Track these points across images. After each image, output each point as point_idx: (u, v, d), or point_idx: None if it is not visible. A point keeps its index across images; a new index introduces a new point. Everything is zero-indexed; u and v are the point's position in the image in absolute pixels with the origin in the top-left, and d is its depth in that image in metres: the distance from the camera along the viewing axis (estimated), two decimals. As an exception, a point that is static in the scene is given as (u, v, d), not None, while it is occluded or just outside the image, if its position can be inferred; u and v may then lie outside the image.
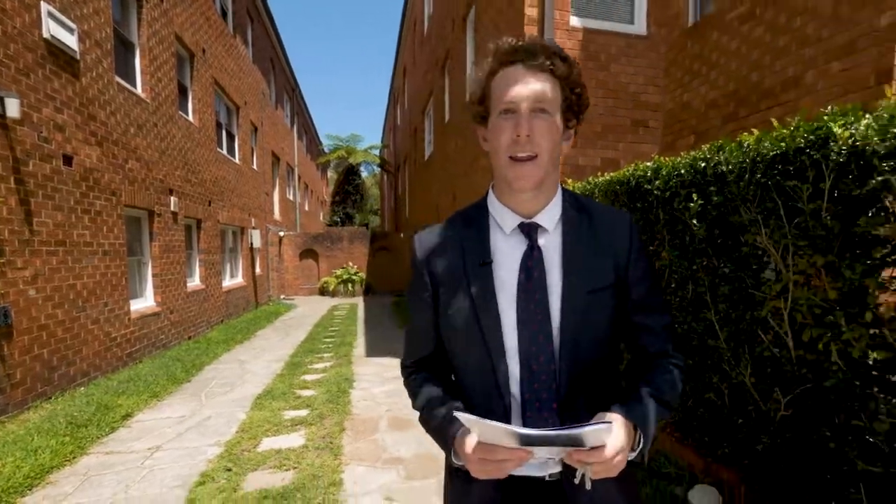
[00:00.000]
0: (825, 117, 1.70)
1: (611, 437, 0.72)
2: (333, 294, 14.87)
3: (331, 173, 28.93)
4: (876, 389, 1.46)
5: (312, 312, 11.44)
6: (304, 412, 4.24)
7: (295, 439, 3.63)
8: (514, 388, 0.85)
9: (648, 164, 2.77)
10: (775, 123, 1.98)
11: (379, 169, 23.90)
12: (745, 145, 2.03)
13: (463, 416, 0.71)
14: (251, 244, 11.63)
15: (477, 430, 0.73)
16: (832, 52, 3.63)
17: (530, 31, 4.96)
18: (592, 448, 0.70)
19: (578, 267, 0.86)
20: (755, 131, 2.05)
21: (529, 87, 0.81)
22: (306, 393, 4.83)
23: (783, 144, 1.81)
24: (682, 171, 2.42)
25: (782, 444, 1.94)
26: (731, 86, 4.56)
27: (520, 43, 0.84)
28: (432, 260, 0.92)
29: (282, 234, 14.81)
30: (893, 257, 1.44)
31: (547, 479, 0.86)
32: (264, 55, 13.98)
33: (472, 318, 0.85)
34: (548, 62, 0.83)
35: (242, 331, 8.51)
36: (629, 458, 0.77)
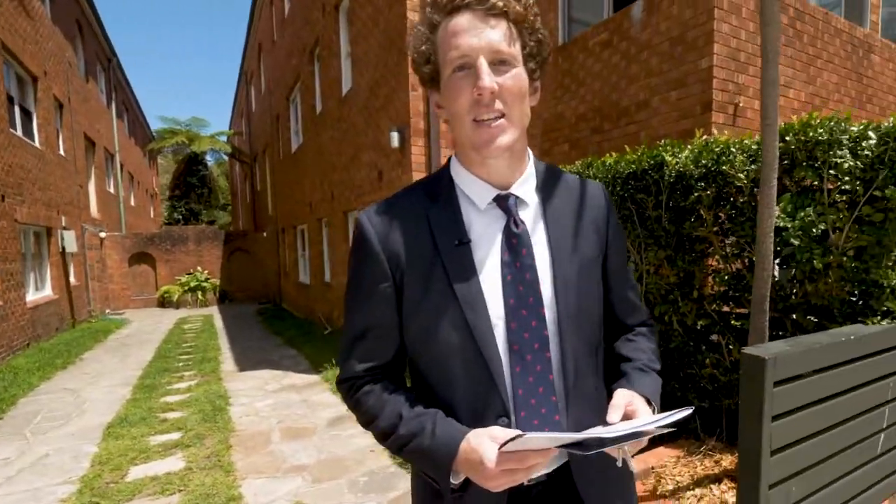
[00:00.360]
0: (660, 147, 2.35)
1: (643, 415, 0.70)
2: (178, 305, 13.26)
3: (164, 162, 25.34)
4: (704, 347, 2.12)
5: (154, 327, 10.14)
6: (175, 435, 3.94)
7: (173, 463, 3.42)
8: (507, 382, 0.75)
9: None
10: (627, 149, 2.63)
11: (228, 159, 21.79)
12: (608, 164, 2.63)
13: (528, 434, 0.59)
14: (62, 248, 9.74)
15: (524, 444, 0.61)
16: (671, 84, 4.72)
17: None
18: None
19: (565, 243, 0.80)
20: (625, 149, 2.69)
21: (485, 35, 0.70)
22: (172, 415, 4.44)
23: (633, 166, 2.44)
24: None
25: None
26: (596, 102, 5.52)
27: None
28: (392, 242, 0.78)
29: (103, 234, 12.65)
30: (710, 251, 2.11)
31: (526, 483, 0.78)
32: (68, 14, 11.69)
33: (454, 308, 0.74)
34: (500, 3, 0.71)
35: (62, 354, 7.19)
36: None
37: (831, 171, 1.82)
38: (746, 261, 2.07)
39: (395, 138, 5.77)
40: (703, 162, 2.10)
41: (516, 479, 0.64)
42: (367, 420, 0.81)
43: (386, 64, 6.05)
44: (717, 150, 2.08)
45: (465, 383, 0.76)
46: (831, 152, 1.81)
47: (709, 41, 4.36)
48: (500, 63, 0.71)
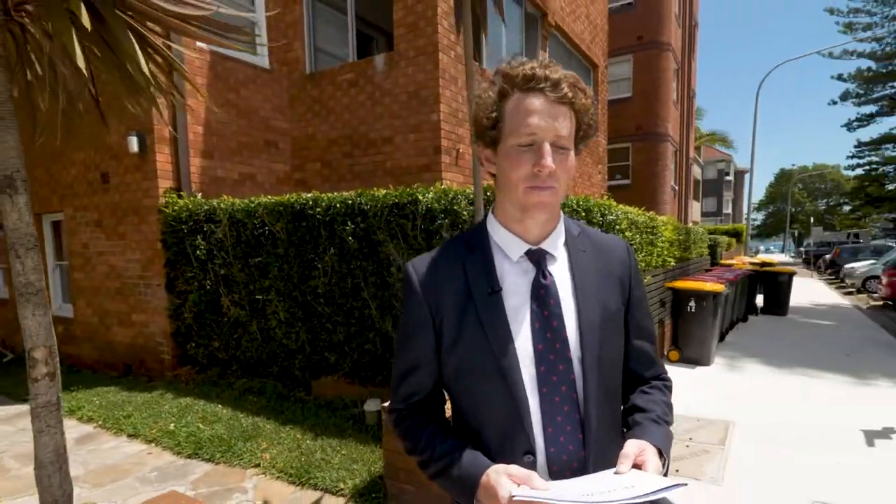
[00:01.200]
0: (415, 188, 3.63)
1: (651, 467, 0.79)
2: None
3: None
4: None
5: None
6: None
7: None
8: (536, 421, 0.86)
9: (308, 195, 4.18)
10: (391, 187, 3.84)
11: None
12: (377, 196, 3.78)
13: (534, 492, 0.71)
14: None
15: (532, 497, 0.72)
16: (409, 127, 6.23)
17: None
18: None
19: (590, 293, 0.92)
20: (375, 175, 3.86)
21: (555, 122, 0.84)
22: None
23: (397, 199, 3.66)
24: (338, 205, 3.98)
25: None
26: (346, 131, 6.64)
27: (540, 69, 0.85)
28: (433, 288, 0.92)
29: None
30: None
31: None
32: None
33: (486, 350, 0.87)
34: (570, 94, 0.85)
35: None
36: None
37: None
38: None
39: (133, 143, 5.58)
40: (443, 201, 3.48)
41: None
42: (409, 445, 0.96)
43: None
44: (450, 195, 3.49)
45: (495, 420, 0.88)
46: None
47: (437, 101, 6.13)
48: (559, 147, 0.85)
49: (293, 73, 6.99)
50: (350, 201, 3.95)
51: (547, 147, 0.84)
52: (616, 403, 0.97)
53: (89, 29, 1.32)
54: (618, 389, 0.98)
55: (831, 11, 36.72)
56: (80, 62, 1.36)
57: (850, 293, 16.15)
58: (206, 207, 4.78)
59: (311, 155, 6.98)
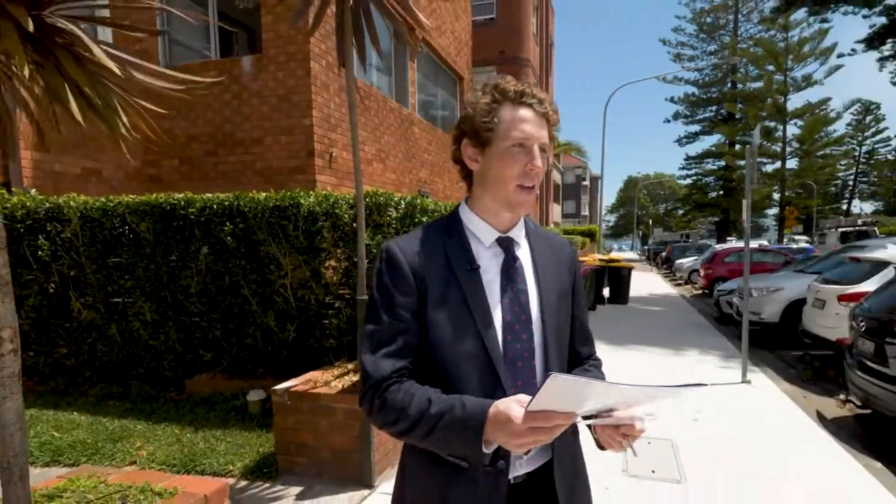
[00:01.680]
0: (296, 193, 4.02)
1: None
2: None
3: None
4: (331, 312, 3.92)
5: None
6: None
7: None
8: (503, 372, 1.04)
9: (179, 195, 4.32)
10: (272, 190, 4.17)
11: None
12: (258, 199, 4.09)
13: (560, 376, 0.77)
14: None
15: (567, 388, 0.79)
16: (280, 130, 6.46)
17: None
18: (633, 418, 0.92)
19: (548, 276, 1.15)
20: (242, 175, 4.17)
21: (541, 130, 1.06)
22: None
23: (279, 202, 4.01)
24: (215, 206, 4.19)
25: (293, 353, 4.17)
26: (209, 129, 6.64)
27: (528, 88, 1.08)
28: (418, 263, 1.07)
29: None
30: (330, 256, 3.94)
31: (512, 481, 1.05)
32: None
33: (468, 319, 1.03)
34: (549, 112, 1.09)
35: None
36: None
37: (388, 216, 3.95)
38: (352, 262, 4.00)
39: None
40: (324, 205, 3.92)
41: (539, 439, 0.84)
42: (396, 412, 0.99)
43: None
44: (331, 199, 3.94)
45: (476, 382, 1.02)
46: (388, 208, 3.95)
47: (309, 106, 6.49)
48: (541, 151, 1.06)
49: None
50: (228, 203, 4.18)
51: (537, 149, 1.05)
52: (564, 368, 1.19)
53: None
54: (566, 357, 1.20)
55: (664, 42, 43.66)
56: None
57: (679, 284, 19.65)
58: (48, 205, 4.59)
59: (169, 151, 6.84)
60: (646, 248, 46.80)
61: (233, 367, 4.43)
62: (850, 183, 48.08)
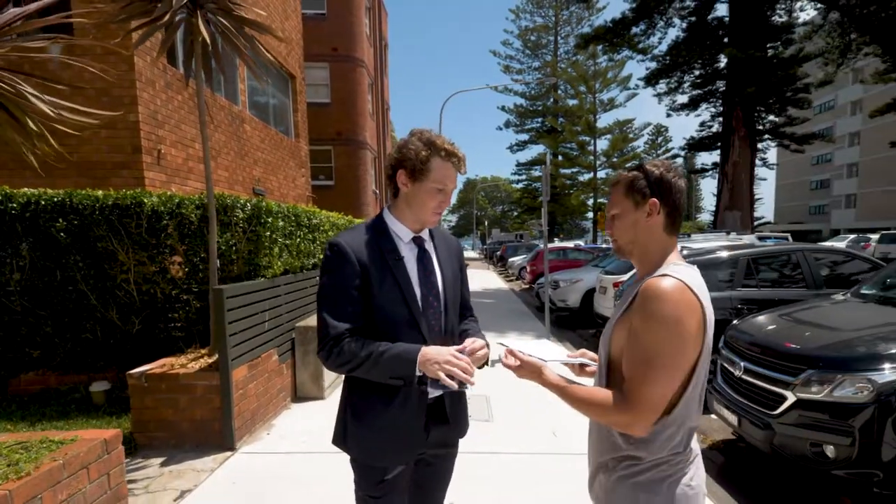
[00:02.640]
0: (139, 192, 4.41)
1: (473, 342, 1.65)
2: None
3: None
4: (178, 305, 4.38)
5: None
6: None
7: None
8: (423, 327, 1.63)
9: (-4, 189, 4.38)
10: (111, 191, 4.48)
11: None
12: (98, 196, 4.38)
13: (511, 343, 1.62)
14: None
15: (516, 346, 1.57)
16: (100, 124, 6.41)
17: None
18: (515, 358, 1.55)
19: (447, 263, 1.76)
20: (43, 167, 4.45)
21: (454, 182, 1.67)
22: None
23: (119, 200, 4.36)
24: (44, 202, 4.36)
25: (139, 344, 4.51)
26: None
27: (454, 149, 1.64)
28: (360, 254, 1.59)
29: None
30: (174, 253, 4.41)
31: (430, 401, 1.67)
32: None
33: (399, 294, 1.60)
34: (463, 166, 1.69)
35: None
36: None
37: (236, 216, 4.52)
38: (199, 258, 4.50)
39: None
40: (169, 205, 4.38)
41: (454, 371, 1.50)
42: (351, 355, 1.54)
43: None
44: (176, 200, 4.40)
45: (405, 334, 1.60)
46: (235, 209, 4.52)
47: (134, 102, 6.60)
48: (450, 192, 1.68)
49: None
50: (59, 199, 4.37)
51: (449, 193, 1.66)
52: (457, 324, 1.82)
53: None
54: (457, 317, 1.81)
55: (494, 53, 48.56)
56: None
57: (511, 280, 22.47)
58: None
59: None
60: (484, 247, 51.16)
61: (68, 363, 4.58)
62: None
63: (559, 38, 45.74)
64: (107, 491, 2.49)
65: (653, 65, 20.52)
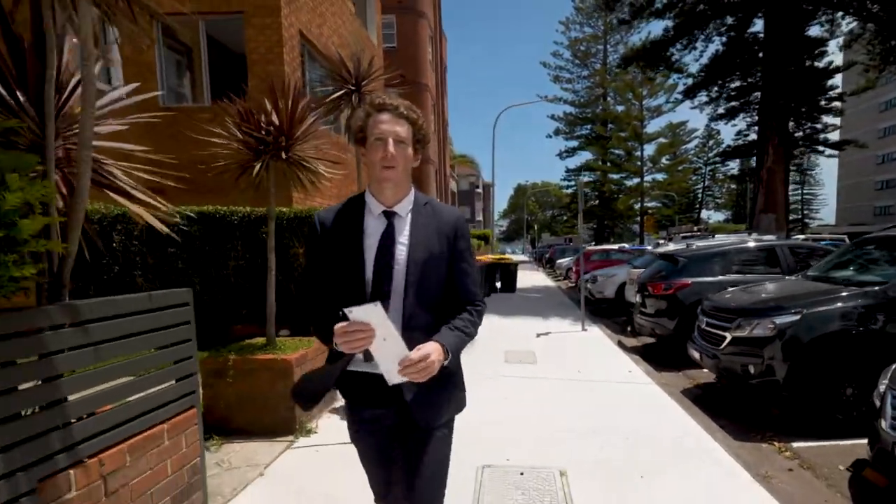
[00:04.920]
0: (307, 207, 6.81)
1: (417, 351, 1.47)
2: None
3: None
4: None
5: None
6: None
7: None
8: (368, 297, 1.59)
9: (224, 207, 6.86)
10: (288, 207, 6.90)
11: None
12: (283, 210, 6.80)
13: (353, 309, 1.40)
14: None
15: (357, 314, 1.40)
16: None
17: None
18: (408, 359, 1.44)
19: (419, 241, 1.66)
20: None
21: (395, 127, 1.61)
22: None
23: (297, 213, 6.75)
24: (253, 216, 6.81)
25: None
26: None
27: (389, 100, 1.63)
28: (329, 227, 1.69)
29: None
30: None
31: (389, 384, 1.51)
32: None
33: (347, 266, 1.63)
34: (405, 112, 1.64)
35: None
36: (443, 364, 1.54)
37: None
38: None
39: None
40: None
41: (349, 343, 1.44)
42: (316, 323, 1.69)
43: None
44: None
45: (351, 294, 1.60)
46: None
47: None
48: (399, 142, 1.62)
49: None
50: (261, 213, 6.81)
51: (391, 141, 1.61)
52: (432, 315, 1.69)
53: None
54: (435, 306, 1.70)
55: (544, 65, 50.26)
56: None
57: (558, 279, 24.35)
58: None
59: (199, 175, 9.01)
60: (534, 251, 52.73)
61: (262, 319, 7.03)
62: (700, 196, 58.77)
63: (608, 46, 46.88)
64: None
65: (689, 80, 21.86)
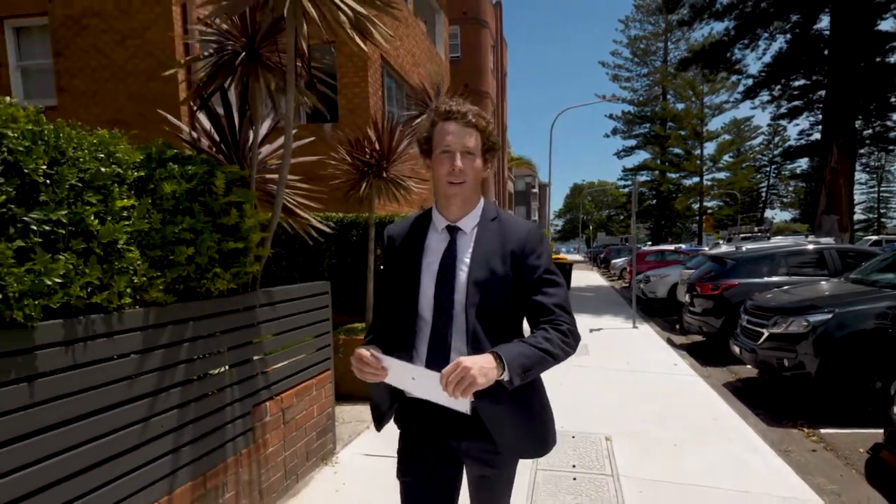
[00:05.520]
0: (387, 214, 7.80)
1: (468, 362, 1.26)
2: None
3: None
4: None
5: None
6: None
7: None
8: (427, 317, 1.52)
9: (322, 214, 7.94)
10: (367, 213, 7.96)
11: None
12: (366, 216, 7.83)
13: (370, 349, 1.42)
14: None
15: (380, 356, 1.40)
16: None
17: None
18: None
19: (481, 259, 1.50)
20: (324, 202, 7.96)
21: (463, 139, 1.46)
22: None
23: (379, 219, 7.77)
24: (346, 220, 7.87)
25: None
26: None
27: (456, 106, 1.48)
28: (397, 242, 1.62)
29: None
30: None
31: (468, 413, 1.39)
32: None
33: (403, 284, 1.55)
34: (474, 120, 1.48)
35: None
36: (498, 378, 1.31)
37: None
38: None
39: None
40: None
41: (362, 373, 1.40)
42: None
43: None
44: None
45: (407, 321, 1.56)
46: None
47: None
48: (466, 153, 1.48)
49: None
50: (351, 219, 7.84)
51: (458, 155, 1.47)
52: (494, 335, 1.50)
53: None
54: (504, 327, 1.53)
55: (603, 64, 49.80)
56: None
57: (612, 279, 24.60)
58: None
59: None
60: (589, 250, 52.41)
61: (348, 309, 8.09)
62: (763, 194, 56.24)
63: (669, 43, 45.85)
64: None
65: (749, 81, 21.50)
